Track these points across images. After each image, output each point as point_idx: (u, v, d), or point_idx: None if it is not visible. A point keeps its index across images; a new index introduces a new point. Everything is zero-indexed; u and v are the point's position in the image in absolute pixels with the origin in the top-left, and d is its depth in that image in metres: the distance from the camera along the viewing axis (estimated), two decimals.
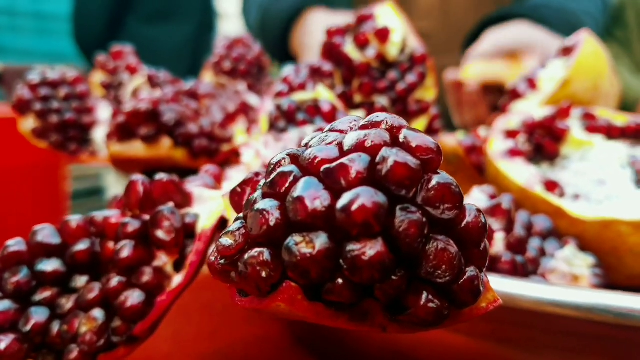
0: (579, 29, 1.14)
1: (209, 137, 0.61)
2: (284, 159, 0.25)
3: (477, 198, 0.48)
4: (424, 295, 0.22)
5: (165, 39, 2.25)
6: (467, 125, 1.01)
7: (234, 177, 0.47)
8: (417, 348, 0.49)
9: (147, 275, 0.35)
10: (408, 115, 0.66)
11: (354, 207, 0.20)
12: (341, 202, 0.21)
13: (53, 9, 3.73)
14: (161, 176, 0.39)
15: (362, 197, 0.21)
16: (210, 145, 0.61)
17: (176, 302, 0.37)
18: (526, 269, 0.41)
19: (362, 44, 0.64)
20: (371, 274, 0.21)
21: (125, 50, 0.90)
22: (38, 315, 0.36)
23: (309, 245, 0.21)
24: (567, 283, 0.41)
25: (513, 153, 0.55)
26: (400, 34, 0.65)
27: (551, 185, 0.50)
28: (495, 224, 0.45)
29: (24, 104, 0.68)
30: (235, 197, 0.32)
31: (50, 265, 0.38)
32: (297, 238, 0.21)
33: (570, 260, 0.42)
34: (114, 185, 2.44)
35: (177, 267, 0.37)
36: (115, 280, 0.36)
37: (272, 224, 0.22)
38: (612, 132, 0.60)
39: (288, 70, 0.63)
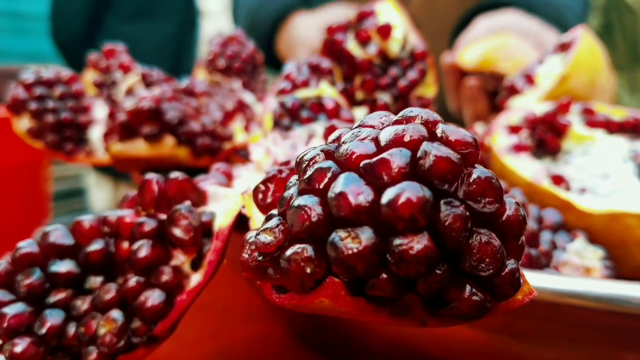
0: (562, 22, 1.16)
1: (211, 135, 0.60)
2: (318, 154, 0.25)
3: None
4: (467, 289, 0.22)
5: (146, 38, 2.22)
6: (460, 112, 1.01)
7: (244, 175, 0.47)
8: (427, 342, 0.49)
9: (166, 275, 0.35)
10: None
11: (400, 201, 0.20)
12: (386, 197, 0.21)
13: (29, 8, 3.65)
14: (176, 174, 0.38)
15: (408, 192, 0.21)
16: (212, 144, 0.60)
17: None
18: (540, 262, 0.41)
19: (363, 41, 0.64)
20: (418, 269, 0.21)
21: (117, 48, 0.89)
22: (53, 317, 0.35)
23: (354, 240, 0.21)
24: (581, 275, 0.42)
25: (518, 148, 0.55)
26: (402, 30, 0.65)
27: (558, 180, 0.50)
28: None
29: (18, 103, 0.66)
30: (259, 195, 0.32)
31: (63, 267, 0.37)
32: (341, 233, 0.21)
33: (581, 252, 0.42)
34: (95, 187, 2.41)
35: (195, 266, 0.37)
36: (133, 280, 0.35)
37: (314, 219, 0.22)
38: (610, 127, 0.61)
39: (290, 67, 0.63)
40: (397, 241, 0.21)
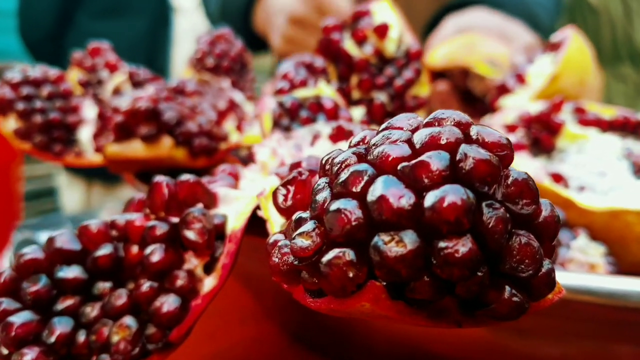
0: (530, 16, 1.18)
1: (207, 135, 0.59)
2: (350, 157, 0.25)
3: None
4: (507, 290, 0.22)
5: (118, 35, 2.17)
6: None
7: (248, 176, 0.46)
8: (433, 340, 0.50)
9: (181, 279, 0.34)
10: (405, 111, 0.66)
11: (445, 204, 0.20)
12: (429, 200, 0.21)
13: None
14: (187, 177, 0.38)
15: (452, 195, 0.21)
16: (210, 144, 0.59)
17: None
18: None
19: (360, 40, 0.64)
20: (462, 272, 0.21)
21: (102, 46, 0.87)
22: (62, 325, 0.34)
23: (399, 244, 0.21)
24: (586, 271, 0.42)
25: (516, 147, 0.56)
26: (397, 30, 0.65)
27: (557, 178, 0.51)
28: None
29: (5, 103, 0.64)
30: (279, 197, 0.31)
31: (71, 272, 0.36)
32: (384, 237, 0.21)
33: (584, 249, 0.43)
34: (66, 187, 2.36)
35: (207, 269, 0.36)
36: (146, 286, 0.34)
37: (354, 223, 0.22)
38: (601, 125, 0.62)
39: (287, 66, 0.62)
40: (441, 244, 0.21)
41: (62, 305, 0.35)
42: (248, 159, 0.85)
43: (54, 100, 0.67)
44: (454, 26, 1.10)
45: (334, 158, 0.26)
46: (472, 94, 0.84)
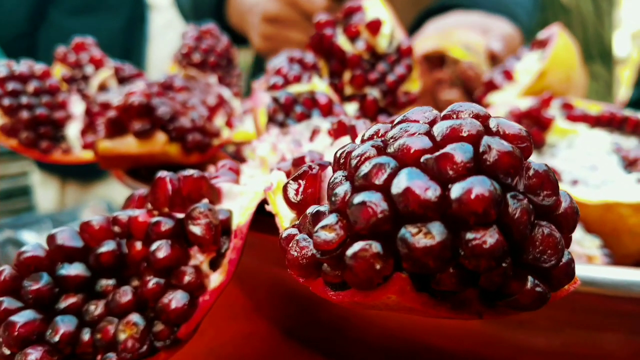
0: (512, 18, 1.20)
1: (200, 131, 0.59)
2: (368, 150, 0.25)
3: None
4: (530, 281, 0.22)
5: (93, 32, 2.12)
6: None
7: (247, 172, 0.46)
8: (430, 333, 0.50)
9: (189, 275, 0.34)
10: (397, 107, 0.67)
11: (472, 196, 0.21)
12: (456, 192, 0.21)
13: None
14: (190, 172, 0.37)
15: (479, 186, 0.21)
16: (203, 140, 0.59)
17: None
18: None
19: (352, 36, 0.64)
20: (489, 263, 0.21)
21: (87, 42, 0.85)
22: (65, 324, 0.34)
23: (427, 236, 0.21)
24: (584, 262, 0.43)
25: None
26: (390, 26, 0.65)
27: None
28: None
29: None
30: (290, 191, 0.31)
31: (73, 270, 0.35)
32: (412, 229, 0.21)
33: (581, 242, 0.44)
34: (40, 186, 2.31)
35: (212, 265, 0.36)
36: (153, 282, 0.34)
37: (380, 216, 0.22)
38: (588, 121, 0.64)
39: (280, 61, 0.62)
40: (469, 235, 0.21)
41: (64, 303, 0.35)
42: (236, 156, 0.84)
43: (40, 96, 0.66)
44: (435, 30, 1.12)
45: (350, 151, 0.26)
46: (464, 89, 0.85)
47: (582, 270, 0.34)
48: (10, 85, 0.63)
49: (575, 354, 0.44)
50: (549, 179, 0.23)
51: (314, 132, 0.47)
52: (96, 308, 0.35)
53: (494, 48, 0.95)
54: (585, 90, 0.79)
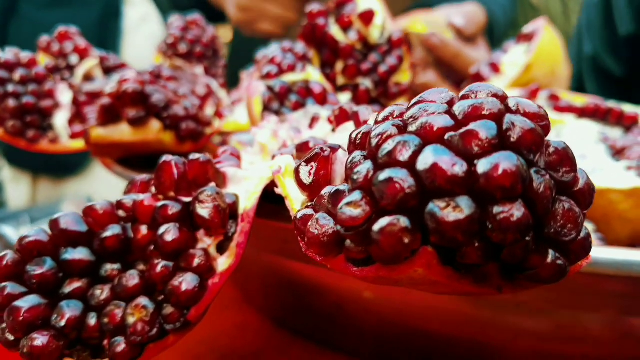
0: (491, 16, 1.23)
1: (194, 119, 0.58)
2: (389, 129, 0.25)
3: None
4: (551, 254, 0.23)
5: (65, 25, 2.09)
6: None
7: (246, 158, 0.46)
8: (423, 318, 0.51)
9: (198, 258, 0.34)
10: (388, 97, 0.67)
11: (500, 171, 0.21)
12: (483, 167, 0.21)
13: None
14: (196, 156, 0.37)
15: (506, 162, 0.21)
16: (196, 128, 0.58)
17: None
18: None
19: (345, 26, 0.64)
20: (515, 236, 0.21)
21: (70, 31, 0.83)
22: (71, 308, 0.33)
23: (456, 210, 0.21)
24: None
25: None
26: (381, 16, 0.66)
27: None
28: None
29: None
30: (302, 174, 0.31)
31: (77, 254, 0.35)
32: (440, 204, 0.22)
33: None
34: (11, 182, 2.25)
35: (220, 249, 0.36)
36: (161, 266, 0.34)
37: (408, 191, 0.22)
38: (574, 112, 0.65)
39: (273, 50, 0.62)
40: (497, 209, 0.21)
41: (69, 288, 0.34)
42: (223, 145, 0.83)
43: (27, 84, 0.64)
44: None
45: (368, 132, 0.26)
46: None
47: None
48: None
49: (567, 336, 0.45)
50: (568, 156, 0.24)
51: (314, 119, 0.47)
52: (102, 292, 0.35)
53: (455, 21, 0.98)
54: (569, 84, 0.81)
